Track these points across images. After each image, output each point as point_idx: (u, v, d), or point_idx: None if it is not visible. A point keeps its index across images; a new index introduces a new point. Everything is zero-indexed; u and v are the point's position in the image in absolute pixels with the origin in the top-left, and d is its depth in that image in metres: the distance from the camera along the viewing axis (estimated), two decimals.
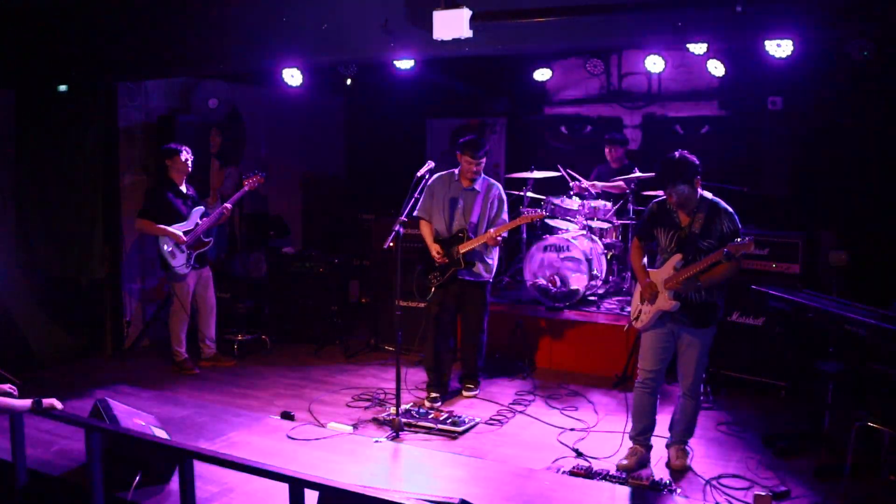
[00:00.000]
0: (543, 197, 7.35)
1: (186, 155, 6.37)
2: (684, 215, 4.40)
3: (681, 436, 4.66)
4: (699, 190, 4.35)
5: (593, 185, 7.36)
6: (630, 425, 4.68)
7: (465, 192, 5.79)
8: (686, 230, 4.38)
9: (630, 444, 4.68)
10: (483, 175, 5.82)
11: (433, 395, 5.84)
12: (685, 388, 4.55)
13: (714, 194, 4.44)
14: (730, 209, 4.36)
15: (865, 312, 4.39)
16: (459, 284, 5.81)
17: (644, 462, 4.61)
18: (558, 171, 7.40)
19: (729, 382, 5.92)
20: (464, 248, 5.70)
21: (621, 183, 7.31)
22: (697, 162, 4.31)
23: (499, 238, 5.64)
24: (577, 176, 7.40)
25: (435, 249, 5.76)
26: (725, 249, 4.10)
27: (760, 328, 5.83)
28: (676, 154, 4.33)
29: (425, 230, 5.86)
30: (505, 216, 5.84)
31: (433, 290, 5.80)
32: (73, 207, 6.81)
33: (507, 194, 5.99)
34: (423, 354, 6.07)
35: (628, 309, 4.85)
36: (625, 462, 4.55)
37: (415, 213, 5.79)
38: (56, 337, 6.84)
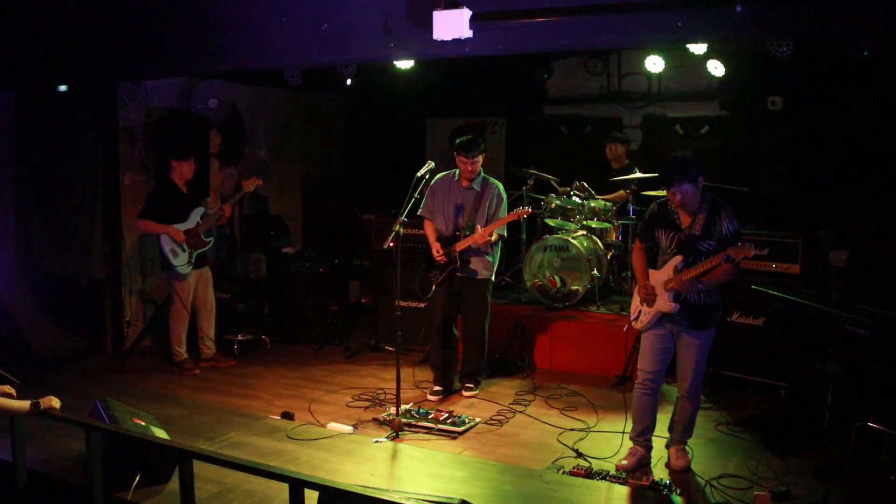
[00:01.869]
0: (543, 196, 7.34)
1: (192, 160, 6.48)
2: (685, 216, 4.40)
3: (680, 436, 4.66)
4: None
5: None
6: (630, 425, 4.69)
7: (465, 191, 5.83)
8: (686, 232, 4.38)
9: (630, 444, 4.69)
10: (483, 174, 5.85)
11: (436, 388, 5.89)
12: (684, 390, 4.55)
13: (714, 194, 4.45)
14: (731, 210, 4.36)
15: (865, 312, 4.39)
16: (460, 283, 5.83)
17: (644, 462, 4.62)
18: (556, 176, 7.41)
19: (729, 382, 5.91)
20: (460, 247, 5.74)
21: (621, 192, 7.31)
22: (701, 162, 4.32)
23: (487, 237, 5.64)
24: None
25: (435, 248, 5.81)
26: (725, 254, 4.10)
27: (760, 328, 5.82)
28: (680, 153, 4.33)
29: (429, 229, 5.94)
30: (502, 214, 5.85)
31: (434, 287, 5.86)
32: (73, 207, 6.82)
33: (507, 194, 5.99)
34: (425, 355, 6.08)
35: (628, 309, 4.85)
36: (625, 462, 4.56)
37: (419, 213, 5.91)
38: (56, 337, 6.83)
